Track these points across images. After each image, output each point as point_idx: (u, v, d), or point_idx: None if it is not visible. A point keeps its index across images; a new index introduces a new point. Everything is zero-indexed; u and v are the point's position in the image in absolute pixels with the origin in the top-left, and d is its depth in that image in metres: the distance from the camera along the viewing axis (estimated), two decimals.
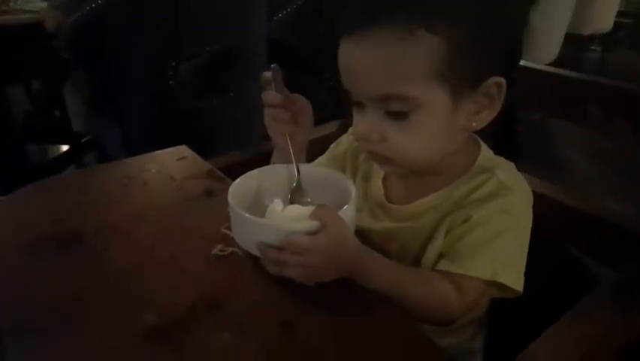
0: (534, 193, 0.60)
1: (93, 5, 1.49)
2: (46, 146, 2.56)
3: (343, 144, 0.75)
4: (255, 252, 0.53)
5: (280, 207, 0.56)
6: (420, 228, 0.62)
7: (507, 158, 0.63)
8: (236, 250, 0.57)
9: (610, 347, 0.58)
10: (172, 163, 0.78)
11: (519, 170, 0.63)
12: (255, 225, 0.52)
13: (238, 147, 1.05)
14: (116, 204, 0.69)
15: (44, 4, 2.10)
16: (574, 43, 3.54)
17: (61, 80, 2.26)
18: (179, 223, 0.65)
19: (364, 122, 0.56)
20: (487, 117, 0.57)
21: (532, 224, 0.59)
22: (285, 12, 2.00)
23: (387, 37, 0.50)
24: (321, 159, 0.75)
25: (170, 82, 1.65)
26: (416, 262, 0.63)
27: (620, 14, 4.06)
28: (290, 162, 0.61)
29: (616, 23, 3.90)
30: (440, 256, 0.59)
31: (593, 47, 4.17)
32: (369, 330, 0.49)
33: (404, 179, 0.65)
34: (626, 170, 1.95)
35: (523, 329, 0.54)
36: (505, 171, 0.61)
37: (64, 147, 2.41)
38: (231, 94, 1.70)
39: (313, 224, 0.50)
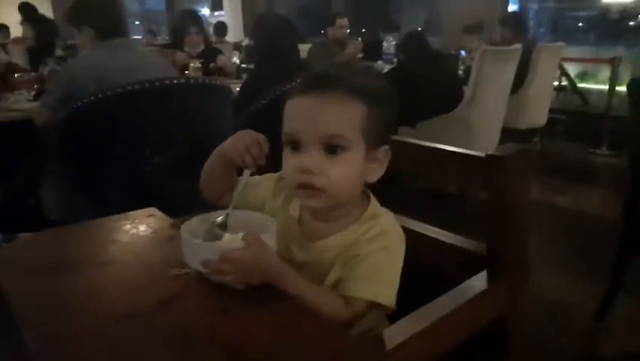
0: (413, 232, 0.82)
1: (80, 104, 1.71)
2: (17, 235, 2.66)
3: (272, 182, 0.89)
4: (200, 268, 0.69)
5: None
6: (323, 261, 0.80)
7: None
8: (189, 270, 0.73)
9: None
10: (142, 219, 0.97)
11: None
12: (200, 247, 0.71)
13: None
14: (98, 246, 0.87)
15: (31, 104, 2.33)
16: (519, 136, 3.99)
17: (39, 171, 2.40)
18: (149, 257, 0.82)
19: (308, 159, 0.73)
20: (377, 173, 0.80)
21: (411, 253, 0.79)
22: (251, 109, 2.27)
23: (339, 96, 0.72)
24: (252, 183, 0.87)
25: (146, 169, 1.85)
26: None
27: (556, 111, 4.60)
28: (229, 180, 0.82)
29: (554, 119, 4.41)
30: (338, 282, 0.77)
31: (535, 140, 4.62)
32: (287, 315, 0.66)
33: (315, 222, 0.82)
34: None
35: None
36: (386, 219, 0.81)
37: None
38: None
39: (242, 243, 0.69)
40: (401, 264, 0.79)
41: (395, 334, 0.69)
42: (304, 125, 0.74)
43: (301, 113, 0.75)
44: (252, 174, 0.83)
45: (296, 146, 0.75)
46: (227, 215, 0.79)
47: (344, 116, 0.74)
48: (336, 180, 0.74)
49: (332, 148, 0.74)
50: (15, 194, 2.61)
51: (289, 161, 0.76)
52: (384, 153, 0.79)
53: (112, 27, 1.93)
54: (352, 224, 0.81)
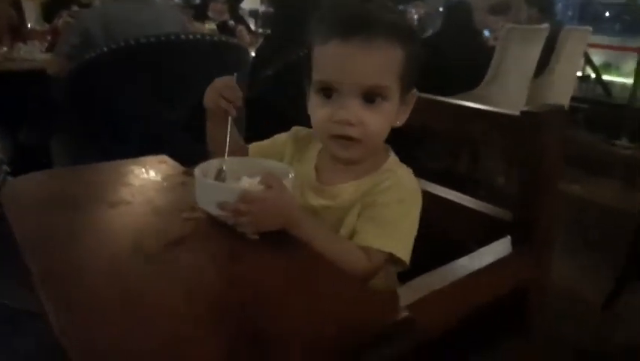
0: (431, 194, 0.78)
1: (89, 56, 1.67)
2: None
3: (284, 135, 0.89)
4: (214, 211, 0.67)
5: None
6: (337, 207, 0.77)
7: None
8: (200, 215, 0.71)
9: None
10: (154, 165, 0.94)
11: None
12: (217, 188, 0.68)
13: None
14: (108, 187, 0.85)
15: (43, 55, 2.32)
16: None
17: (49, 124, 2.38)
18: (160, 200, 0.79)
19: (346, 110, 0.70)
20: (404, 117, 0.78)
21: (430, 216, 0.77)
22: (266, 73, 2.22)
23: (380, 43, 0.69)
24: (265, 141, 0.90)
25: (155, 125, 1.81)
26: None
27: (578, 100, 4.48)
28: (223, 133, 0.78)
29: (575, 107, 4.30)
30: (354, 231, 0.75)
31: None
32: (301, 265, 0.63)
33: (332, 168, 0.80)
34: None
35: None
36: (404, 172, 0.79)
37: None
38: None
39: (260, 186, 0.66)
40: (417, 220, 0.76)
41: (411, 291, 0.66)
42: (344, 75, 0.70)
43: (341, 62, 0.70)
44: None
45: (329, 94, 0.71)
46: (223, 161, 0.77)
47: (386, 65, 0.71)
48: (374, 130, 0.72)
49: (371, 97, 0.71)
50: (25, 146, 2.60)
51: (321, 110, 0.73)
52: (412, 97, 0.78)
53: None
54: (370, 173, 0.78)
